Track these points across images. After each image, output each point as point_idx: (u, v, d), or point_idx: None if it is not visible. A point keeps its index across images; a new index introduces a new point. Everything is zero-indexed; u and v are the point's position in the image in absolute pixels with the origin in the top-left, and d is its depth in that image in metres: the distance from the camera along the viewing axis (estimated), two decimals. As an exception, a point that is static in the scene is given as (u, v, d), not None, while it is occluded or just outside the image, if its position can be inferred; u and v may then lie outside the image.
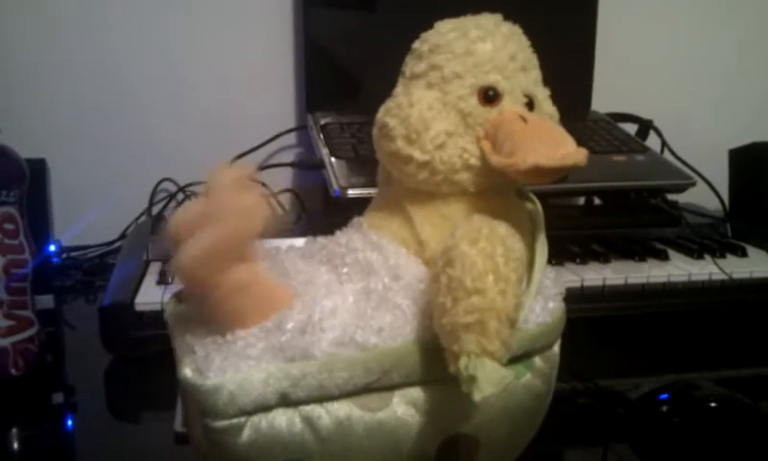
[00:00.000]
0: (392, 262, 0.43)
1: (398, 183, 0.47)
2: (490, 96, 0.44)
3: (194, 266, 0.38)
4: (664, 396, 0.57)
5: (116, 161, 1.01)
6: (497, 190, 0.46)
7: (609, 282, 0.75)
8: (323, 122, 0.93)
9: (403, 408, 0.41)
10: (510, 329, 0.38)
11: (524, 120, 0.43)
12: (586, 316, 0.74)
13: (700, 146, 0.96)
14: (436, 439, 0.42)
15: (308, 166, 0.90)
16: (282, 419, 0.39)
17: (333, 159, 0.83)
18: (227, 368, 0.38)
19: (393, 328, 0.41)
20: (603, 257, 0.79)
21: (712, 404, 0.55)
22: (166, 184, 1.01)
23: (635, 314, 0.75)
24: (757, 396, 0.59)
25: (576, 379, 0.66)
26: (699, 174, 0.91)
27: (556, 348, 0.47)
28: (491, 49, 0.45)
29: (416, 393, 0.41)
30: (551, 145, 0.41)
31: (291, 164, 0.97)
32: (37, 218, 0.72)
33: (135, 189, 0.99)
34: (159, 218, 0.93)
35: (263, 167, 0.99)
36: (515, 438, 0.46)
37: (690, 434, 0.53)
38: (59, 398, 0.63)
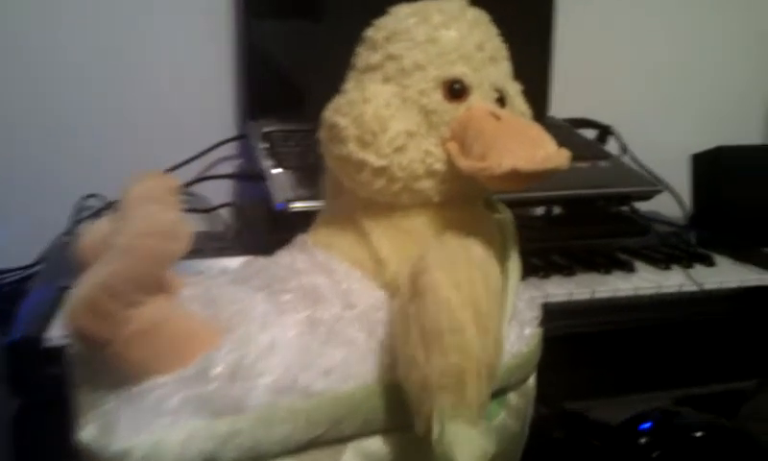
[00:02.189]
0: (343, 287, 0.37)
1: (350, 194, 0.41)
2: (456, 90, 0.38)
3: (95, 299, 0.31)
4: (644, 425, 0.52)
5: (33, 176, 0.92)
6: (464, 199, 0.40)
7: (575, 297, 0.70)
8: (265, 130, 0.86)
9: (356, 463, 0.34)
10: (490, 382, 0.32)
11: (496, 118, 0.38)
12: (551, 335, 0.68)
13: (661, 151, 0.92)
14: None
15: (249, 178, 0.83)
16: (207, 486, 0.32)
17: (275, 170, 0.76)
18: (137, 427, 0.31)
19: (344, 368, 0.34)
20: (567, 270, 0.74)
21: (697, 434, 0.50)
22: (93, 201, 0.92)
23: (602, 330, 0.70)
24: (733, 412, 0.55)
25: (542, 404, 0.61)
26: (660, 180, 0.87)
27: (531, 380, 0.41)
28: (456, 37, 0.39)
29: (373, 445, 0.35)
30: (529, 146, 0.35)
31: (230, 176, 0.90)
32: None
33: (56, 206, 0.90)
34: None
35: (200, 179, 0.91)
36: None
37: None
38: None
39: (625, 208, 0.83)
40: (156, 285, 0.33)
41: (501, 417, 0.38)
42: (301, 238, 0.42)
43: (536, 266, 0.75)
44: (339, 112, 0.39)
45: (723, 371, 0.70)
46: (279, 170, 0.76)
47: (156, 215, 0.32)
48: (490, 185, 0.38)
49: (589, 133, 0.97)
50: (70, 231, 0.90)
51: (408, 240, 0.38)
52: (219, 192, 0.94)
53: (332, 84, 0.43)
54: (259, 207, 0.91)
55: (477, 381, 0.31)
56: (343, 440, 0.34)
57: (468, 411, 0.31)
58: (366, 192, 0.39)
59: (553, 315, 0.69)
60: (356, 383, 0.34)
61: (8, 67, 0.90)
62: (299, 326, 0.36)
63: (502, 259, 0.40)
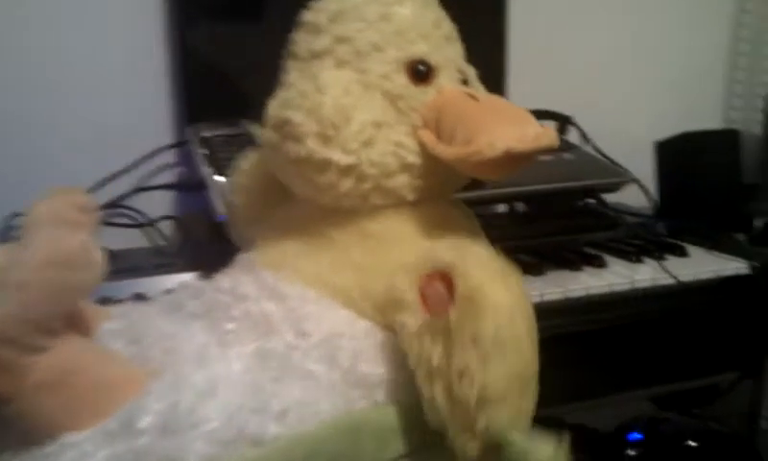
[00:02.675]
0: (297, 313, 0.31)
1: (304, 203, 0.35)
2: (421, 72, 0.34)
3: None
4: (632, 435, 0.48)
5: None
6: (437, 197, 0.36)
7: (546, 298, 0.66)
8: (204, 135, 0.80)
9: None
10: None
11: (474, 99, 0.33)
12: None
13: (624, 141, 0.89)
14: None
15: (189, 188, 0.77)
16: None
17: (217, 178, 0.70)
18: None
19: (302, 407, 0.29)
20: (536, 269, 0.70)
21: (691, 443, 0.46)
22: (20, 220, 0.84)
23: (576, 331, 0.66)
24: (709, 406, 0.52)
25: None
26: (626, 170, 0.84)
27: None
28: (410, 14, 0.34)
29: (339, 494, 0.29)
30: (518, 125, 0.32)
31: (169, 186, 0.83)
32: None
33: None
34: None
35: (137, 190, 0.84)
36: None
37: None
38: None
39: (591, 201, 0.79)
40: (62, 325, 0.27)
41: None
42: (246, 258, 0.36)
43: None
44: (289, 107, 0.33)
45: (701, 364, 0.67)
46: (221, 178, 0.70)
47: (57, 242, 0.27)
48: (477, 173, 0.34)
49: (549, 126, 0.93)
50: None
51: (382, 247, 0.34)
52: (158, 204, 0.87)
53: (272, 85, 0.39)
54: (201, 219, 0.85)
55: (532, 390, 0.29)
56: (304, 491, 0.29)
57: (523, 423, 0.28)
58: (328, 197, 0.34)
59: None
60: (318, 422, 0.29)
61: None
62: (245, 359, 0.30)
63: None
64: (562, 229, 0.77)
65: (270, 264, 0.35)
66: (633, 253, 0.73)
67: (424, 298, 0.30)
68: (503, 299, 0.28)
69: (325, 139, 0.33)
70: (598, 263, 0.71)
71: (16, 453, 0.27)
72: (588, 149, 0.89)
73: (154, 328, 0.32)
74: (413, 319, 0.30)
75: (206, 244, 0.82)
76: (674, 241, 0.76)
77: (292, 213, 0.36)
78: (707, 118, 1.09)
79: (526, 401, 0.28)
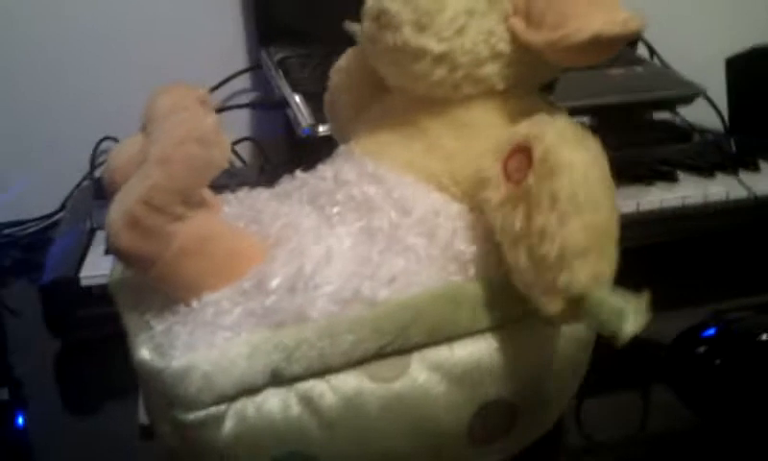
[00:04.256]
0: (396, 195, 0.34)
1: (398, 94, 0.38)
2: None
3: (137, 215, 0.29)
4: (705, 333, 0.50)
5: (45, 125, 0.89)
6: (527, 87, 0.37)
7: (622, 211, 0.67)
8: (279, 57, 0.82)
9: (425, 375, 0.32)
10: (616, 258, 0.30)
11: None
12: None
13: (692, 57, 0.88)
14: (468, 410, 0.33)
15: (269, 106, 0.80)
16: (274, 401, 0.30)
17: (297, 96, 0.73)
18: (196, 343, 0.29)
19: (407, 275, 0.32)
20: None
21: (765, 337, 0.47)
22: (109, 144, 0.89)
23: (650, 243, 0.67)
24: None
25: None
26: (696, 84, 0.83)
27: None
28: None
29: (440, 354, 0.32)
30: (607, 8, 0.32)
31: (247, 105, 0.86)
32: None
33: (73, 153, 0.87)
34: (102, 181, 0.81)
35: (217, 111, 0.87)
36: (559, 397, 0.38)
37: (736, 374, 0.46)
38: (4, 394, 0.54)
39: (664, 115, 0.79)
40: (199, 198, 0.30)
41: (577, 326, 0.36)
42: (345, 148, 0.39)
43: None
44: None
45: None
46: (300, 95, 0.73)
47: (192, 121, 0.30)
48: (564, 60, 0.35)
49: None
50: (89, 177, 0.88)
51: (472, 134, 0.36)
52: (234, 127, 0.91)
53: (346, 5, 0.40)
54: (280, 140, 0.88)
55: (612, 248, 0.29)
56: (409, 350, 0.32)
57: (604, 281, 0.29)
58: (422, 86, 0.36)
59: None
60: (420, 289, 0.32)
61: (7, 16, 0.86)
62: (353, 236, 0.33)
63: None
64: (632, 142, 0.78)
65: (369, 152, 0.37)
66: (705, 167, 0.73)
67: (507, 172, 0.31)
68: (578, 157, 0.29)
69: (420, 27, 0.34)
70: (670, 177, 0.72)
71: (163, 312, 0.31)
72: (657, 64, 0.88)
73: (270, 211, 0.35)
74: (496, 192, 0.31)
75: (286, 164, 0.86)
76: (747, 157, 0.75)
77: (387, 105, 0.39)
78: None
79: (606, 260, 0.29)
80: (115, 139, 0.88)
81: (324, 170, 0.38)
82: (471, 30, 0.35)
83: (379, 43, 0.36)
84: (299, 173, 0.40)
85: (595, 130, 0.86)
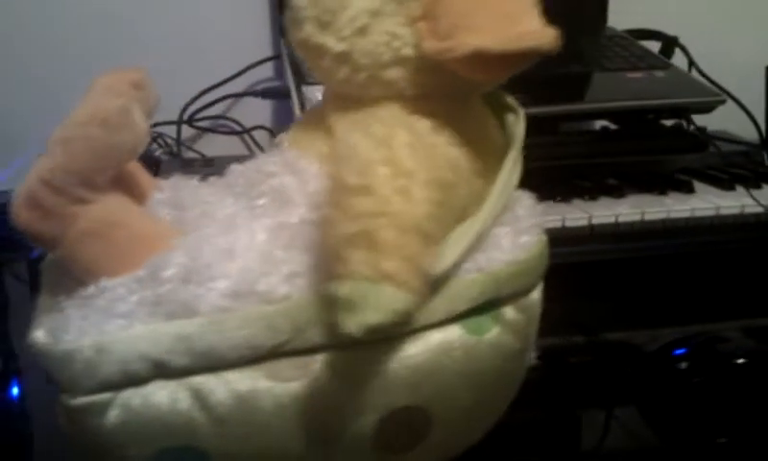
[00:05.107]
0: (310, 188, 0.33)
1: (326, 89, 0.37)
2: None
3: (36, 193, 0.29)
4: (682, 350, 0.47)
5: (62, 100, 0.91)
6: (449, 94, 0.34)
7: (622, 220, 0.64)
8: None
9: (327, 377, 0.31)
10: (421, 245, 0.28)
11: None
12: (595, 259, 0.63)
13: (732, 66, 0.82)
14: (372, 415, 0.32)
15: (281, 95, 0.80)
16: (162, 394, 0.30)
17: (304, 87, 0.72)
18: (87, 329, 0.29)
19: (312, 274, 0.31)
20: (617, 192, 0.68)
21: (740, 361, 0.44)
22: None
23: (651, 255, 0.64)
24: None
25: (580, 333, 0.57)
26: (732, 96, 0.78)
27: (536, 294, 0.37)
28: None
29: (344, 357, 0.32)
30: (503, 21, 0.30)
31: (261, 94, 0.86)
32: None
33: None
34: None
35: (233, 96, 0.88)
36: (483, 407, 0.36)
37: (713, 396, 0.43)
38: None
39: (686, 122, 0.74)
40: (105, 182, 0.30)
41: (495, 332, 0.34)
42: (280, 137, 0.39)
43: (582, 188, 0.69)
44: None
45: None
46: (306, 86, 0.72)
47: (98, 104, 0.30)
48: (463, 72, 0.32)
49: (654, 47, 0.88)
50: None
51: None
52: (255, 115, 0.91)
53: None
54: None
55: (395, 233, 0.27)
56: (311, 351, 0.31)
57: (388, 266, 0.26)
58: (333, 82, 0.35)
59: (598, 238, 0.64)
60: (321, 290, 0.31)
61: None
62: (270, 230, 0.33)
63: (498, 162, 0.35)
64: (649, 150, 0.74)
65: (293, 142, 0.37)
66: (726, 180, 0.69)
67: None
68: (364, 145, 0.29)
69: (322, 25, 0.34)
70: (685, 189, 0.68)
71: (68, 295, 0.31)
72: (694, 73, 0.83)
73: (193, 198, 0.35)
74: None
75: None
76: (776, 170, 0.71)
77: (324, 98, 0.38)
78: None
79: (390, 250, 0.28)
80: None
81: (258, 160, 0.38)
82: (374, 31, 0.33)
83: (291, 36, 0.36)
84: (241, 164, 0.39)
85: (609, 134, 0.82)
